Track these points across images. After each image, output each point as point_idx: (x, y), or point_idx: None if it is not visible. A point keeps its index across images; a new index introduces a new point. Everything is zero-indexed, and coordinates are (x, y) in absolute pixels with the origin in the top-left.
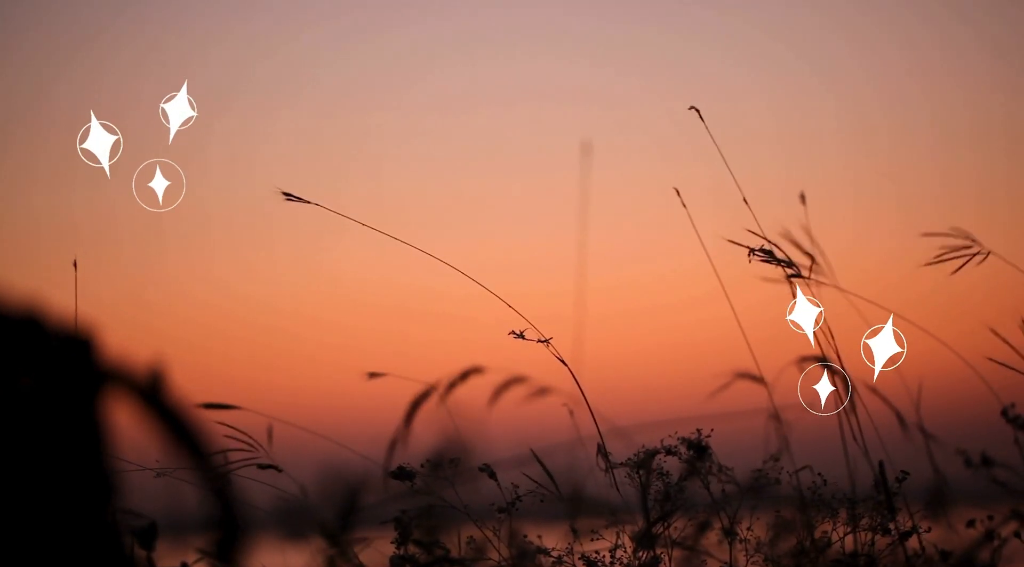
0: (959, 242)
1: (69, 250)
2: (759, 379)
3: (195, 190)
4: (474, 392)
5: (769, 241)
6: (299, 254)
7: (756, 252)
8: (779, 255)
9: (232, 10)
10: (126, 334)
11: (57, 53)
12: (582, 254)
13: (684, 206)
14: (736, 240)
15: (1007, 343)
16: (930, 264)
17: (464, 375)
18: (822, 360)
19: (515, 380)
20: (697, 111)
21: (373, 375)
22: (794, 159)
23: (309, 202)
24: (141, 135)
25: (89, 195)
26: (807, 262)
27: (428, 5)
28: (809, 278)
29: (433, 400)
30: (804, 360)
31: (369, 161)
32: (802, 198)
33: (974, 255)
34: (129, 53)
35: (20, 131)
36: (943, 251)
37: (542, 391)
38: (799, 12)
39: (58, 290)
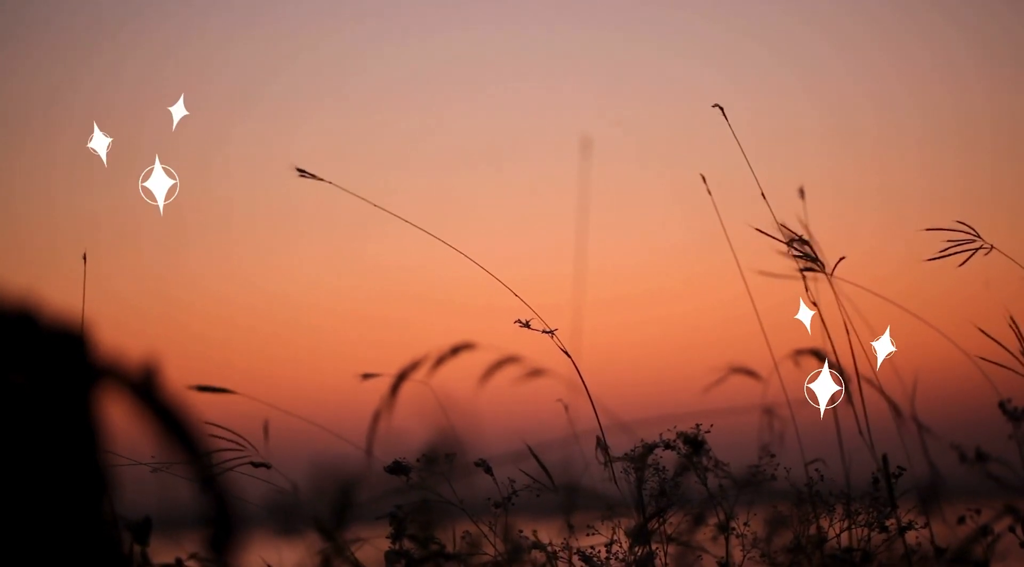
0: (962, 235)
1: (87, 248)
2: (754, 374)
3: (217, 188)
4: (467, 378)
5: (797, 234)
6: (317, 251)
7: (791, 244)
8: (801, 249)
9: (255, 10)
10: (145, 329)
11: (72, 49)
12: (581, 246)
13: (709, 193)
14: (762, 231)
15: (996, 342)
16: (933, 259)
17: (455, 350)
18: (819, 353)
19: (508, 359)
20: (721, 109)
21: (367, 376)
22: (779, 158)
23: (322, 180)
24: (149, 134)
25: (105, 193)
26: (820, 256)
27: (445, 13)
28: (831, 274)
29: (422, 372)
30: (800, 353)
31: (382, 161)
32: (801, 193)
33: (977, 249)
34: (150, 47)
35: (35, 129)
36: (948, 245)
37: (536, 372)
38: (786, 12)
39: (74, 288)
